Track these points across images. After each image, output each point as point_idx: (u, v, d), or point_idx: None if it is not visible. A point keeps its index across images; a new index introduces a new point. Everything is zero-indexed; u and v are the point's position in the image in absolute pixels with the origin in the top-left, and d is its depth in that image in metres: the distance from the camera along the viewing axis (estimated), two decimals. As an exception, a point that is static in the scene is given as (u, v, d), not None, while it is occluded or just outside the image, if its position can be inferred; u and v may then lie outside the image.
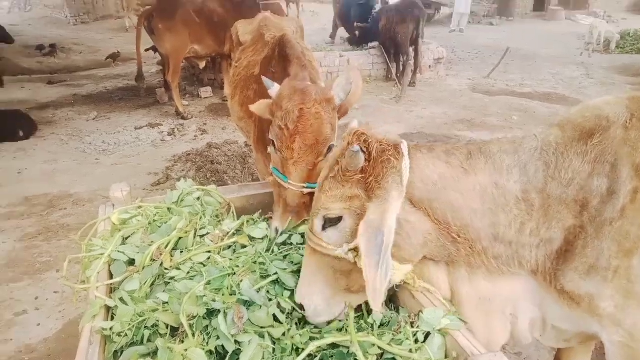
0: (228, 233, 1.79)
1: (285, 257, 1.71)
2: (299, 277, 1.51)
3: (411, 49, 8.70)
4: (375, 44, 9.63)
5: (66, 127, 6.70)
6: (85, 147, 5.90)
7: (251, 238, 1.82)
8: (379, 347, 1.32)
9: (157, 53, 8.37)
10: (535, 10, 18.43)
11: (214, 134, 6.51)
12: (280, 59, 2.46)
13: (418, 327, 1.39)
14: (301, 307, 1.46)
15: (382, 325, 1.50)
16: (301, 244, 1.77)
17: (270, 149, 1.94)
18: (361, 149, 1.29)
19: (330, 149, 1.81)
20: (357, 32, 8.94)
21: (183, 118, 7.03)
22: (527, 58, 11.36)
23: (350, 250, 1.33)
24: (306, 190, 1.79)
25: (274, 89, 1.91)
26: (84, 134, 6.39)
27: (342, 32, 11.10)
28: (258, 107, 1.97)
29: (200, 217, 1.87)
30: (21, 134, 6.09)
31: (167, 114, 7.34)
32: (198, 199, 2.13)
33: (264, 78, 1.98)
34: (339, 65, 9.06)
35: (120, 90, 8.87)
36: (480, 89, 8.93)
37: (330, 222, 1.37)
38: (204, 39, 7.04)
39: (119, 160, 5.53)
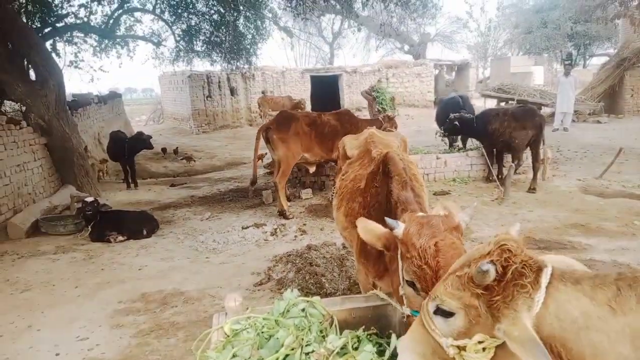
0: (333, 352, 1.79)
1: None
2: None
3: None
4: (472, 144, 9.62)
5: (183, 226, 7.38)
6: (197, 246, 6.39)
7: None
8: None
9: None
10: (649, 106, 17.31)
11: (313, 234, 6.72)
12: (383, 175, 2.59)
13: None
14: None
15: None
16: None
17: (405, 290, 1.87)
18: (496, 267, 1.27)
19: None
20: (456, 122, 8.90)
21: (285, 217, 7.40)
22: (644, 157, 10.48)
23: (452, 345, 1.32)
24: None
25: (399, 229, 1.84)
26: (198, 232, 6.97)
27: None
28: (367, 234, 1.98)
29: (306, 333, 1.90)
30: (145, 232, 6.82)
31: (271, 214, 7.79)
32: (303, 310, 2.20)
33: (387, 219, 1.92)
34: (436, 167, 9.12)
35: (231, 191, 9.70)
36: (592, 190, 8.31)
37: (442, 312, 1.37)
38: (314, 148, 7.70)
39: (226, 259, 5.88)
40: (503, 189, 8.06)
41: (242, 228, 7.08)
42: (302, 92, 22.29)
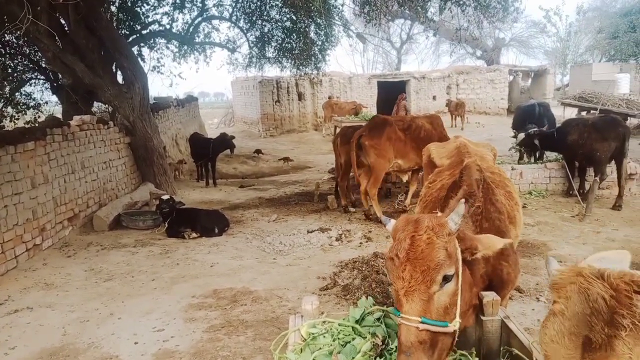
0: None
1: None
2: None
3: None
4: (551, 156, 9.09)
5: (251, 226, 7.58)
6: (265, 247, 6.53)
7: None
8: None
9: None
10: None
11: (379, 242, 6.63)
12: (459, 186, 2.51)
13: None
14: None
15: None
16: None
17: (390, 289, 1.88)
18: None
19: (446, 278, 1.71)
20: (537, 142, 8.50)
21: (379, 221, 7.29)
22: None
23: None
24: (422, 327, 1.63)
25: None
26: (265, 234, 7.12)
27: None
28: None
29: (387, 344, 1.87)
30: (216, 231, 7.08)
31: (336, 219, 7.79)
32: (378, 319, 2.17)
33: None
34: (511, 177, 8.69)
35: (296, 195, 9.85)
36: (689, 210, 7.55)
37: None
38: (408, 154, 7.50)
39: (292, 262, 5.95)
40: (585, 204, 7.52)
41: (308, 232, 7.14)
42: (369, 98, 22.21)
